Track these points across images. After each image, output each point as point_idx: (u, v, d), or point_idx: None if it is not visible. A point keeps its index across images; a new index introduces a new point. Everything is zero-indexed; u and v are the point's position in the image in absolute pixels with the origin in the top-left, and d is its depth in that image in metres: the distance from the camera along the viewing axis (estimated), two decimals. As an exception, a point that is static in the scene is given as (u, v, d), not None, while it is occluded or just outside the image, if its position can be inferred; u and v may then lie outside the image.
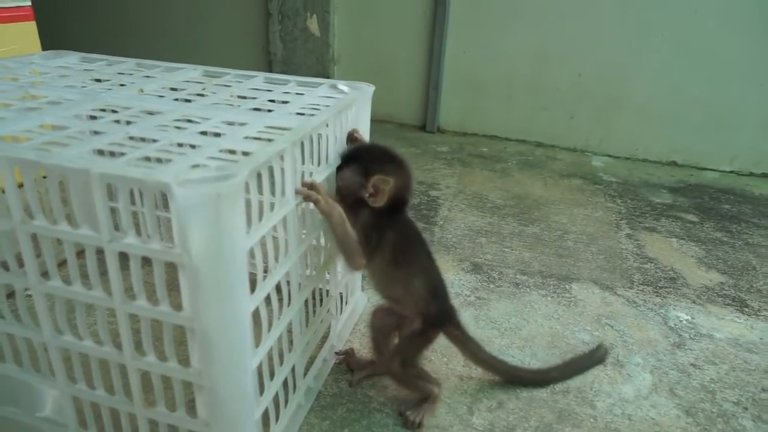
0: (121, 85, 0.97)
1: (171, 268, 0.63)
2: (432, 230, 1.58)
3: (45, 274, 0.69)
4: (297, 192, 0.78)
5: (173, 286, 0.65)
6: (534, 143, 2.42)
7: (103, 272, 0.65)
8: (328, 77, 2.55)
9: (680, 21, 2.10)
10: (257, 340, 0.71)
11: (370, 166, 0.85)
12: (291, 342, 0.84)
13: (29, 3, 1.62)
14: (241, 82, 1.04)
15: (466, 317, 1.19)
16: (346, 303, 1.13)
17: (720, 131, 2.20)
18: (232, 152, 0.70)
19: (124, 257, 0.63)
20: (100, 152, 0.71)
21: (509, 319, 1.20)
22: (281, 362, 0.81)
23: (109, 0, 2.84)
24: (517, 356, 1.08)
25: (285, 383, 0.83)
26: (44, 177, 0.65)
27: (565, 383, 1.02)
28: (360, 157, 0.87)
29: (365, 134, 1.02)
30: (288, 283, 0.80)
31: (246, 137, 0.73)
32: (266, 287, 0.71)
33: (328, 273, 0.98)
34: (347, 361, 1.02)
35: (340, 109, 0.89)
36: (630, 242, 1.58)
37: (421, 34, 2.42)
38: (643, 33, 2.16)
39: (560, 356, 1.09)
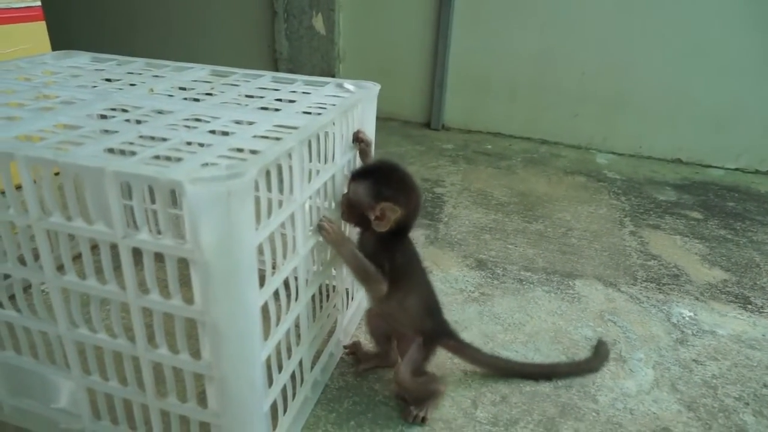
0: (132, 84, 0.99)
1: (182, 265, 0.65)
2: (437, 227, 1.60)
3: (60, 269, 0.71)
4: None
5: (184, 282, 0.66)
6: (538, 140, 2.43)
7: (117, 267, 0.67)
8: (333, 75, 2.57)
9: (685, 18, 2.10)
10: (266, 334, 0.73)
11: (383, 191, 0.84)
12: (299, 336, 0.86)
13: (39, 3, 1.64)
14: (249, 81, 1.06)
15: (471, 313, 1.21)
16: (352, 298, 1.15)
17: (725, 129, 2.20)
18: (241, 151, 0.72)
19: (136, 254, 0.65)
20: (113, 151, 0.72)
21: (513, 315, 1.21)
22: (289, 356, 0.83)
23: (116, 0, 2.87)
24: (520, 351, 1.10)
25: (293, 376, 0.85)
26: (57, 174, 0.67)
27: (569, 378, 1.03)
28: (376, 177, 0.86)
29: (371, 133, 1.04)
30: (296, 278, 0.82)
31: (255, 136, 0.75)
32: (275, 282, 0.73)
33: (335, 269, 1.00)
34: (355, 353, 1.04)
35: (346, 108, 0.90)
36: (634, 239, 1.59)
37: (425, 32, 2.43)
38: (648, 31, 2.16)
39: (563, 351, 1.10)
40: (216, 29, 2.76)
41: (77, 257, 0.70)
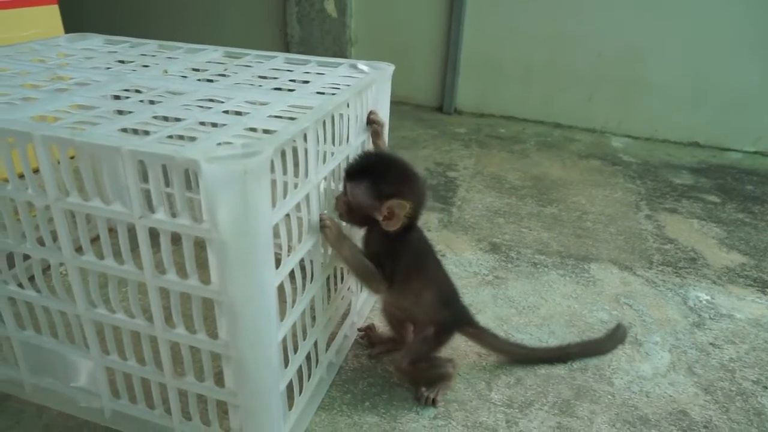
0: (145, 66, 0.99)
1: (197, 248, 0.65)
2: (450, 211, 1.59)
3: (79, 250, 0.72)
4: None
5: (199, 265, 0.67)
6: (552, 124, 2.40)
7: (134, 249, 0.68)
8: (345, 58, 2.55)
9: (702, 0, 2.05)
10: (282, 315, 0.73)
11: (385, 188, 0.79)
12: (314, 318, 0.86)
13: (51, -13, 1.63)
14: (262, 62, 1.05)
15: (485, 296, 1.20)
16: (366, 281, 1.15)
17: (743, 111, 2.15)
18: (255, 131, 0.72)
19: (153, 237, 0.65)
20: (129, 131, 0.72)
21: (527, 298, 1.20)
22: (304, 337, 0.83)
23: (128, -17, 2.86)
24: (535, 334, 1.09)
25: (308, 357, 0.85)
26: (72, 158, 0.67)
27: (584, 361, 1.02)
28: (374, 175, 0.80)
29: (385, 114, 1.03)
30: (311, 261, 0.82)
31: (269, 116, 0.75)
32: (290, 263, 0.73)
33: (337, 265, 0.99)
34: (369, 336, 1.04)
35: (360, 89, 0.89)
36: (650, 223, 1.57)
37: (438, 15, 2.40)
38: (664, 12, 2.11)
39: (578, 335, 1.10)
40: (227, 13, 2.75)
41: (95, 239, 0.70)
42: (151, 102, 0.79)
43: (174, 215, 0.64)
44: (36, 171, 0.69)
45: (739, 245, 1.47)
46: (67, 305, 0.77)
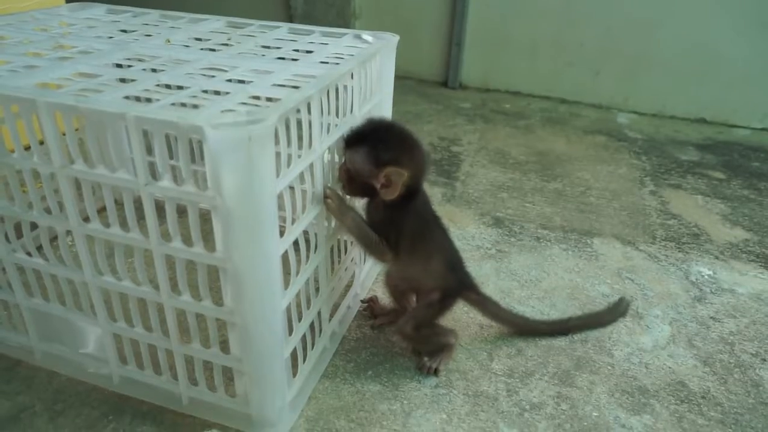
0: (148, 35, 0.98)
1: (201, 220, 0.66)
2: (453, 185, 1.59)
3: (86, 219, 0.72)
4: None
5: (204, 236, 0.67)
6: (558, 100, 2.38)
7: (140, 219, 0.68)
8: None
9: (717, -31, 2.00)
10: (286, 284, 0.74)
11: (383, 155, 0.77)
12: (317, 288, 0.87)
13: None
14: (265, 32, 1.04)
15: (487, 270, 1.21)
16: (369, 254, 1.16)
17: (751, 87, 2.12)
18: (259, 98, 0.72)
19: (158, 209, 0.66)
20: (133, 98, 0.72)
21: (529, 272, 1.21)
22: (308, 306, 0.84)
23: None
24: (537, 307, 1.10)
25: (312, 326, 0.87)
26: (76, 130, 0.67)
27: (584, 333, 1.04)
28: (372, 141, 0.79)
29: (389, 86, 1.02)
30: (315, 233, 0.82)
31: (273, 84, 0.74)
32: (294, 231, 0.73)
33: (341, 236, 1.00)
34: (371, 308, 1.05)
35: (364, 59, 0.89)
36: (654, 199, 1.56)
37: (444, -13, 2.36)
38: (677, -17, 2.07)
39: (580, 308, 1.11)
40: (229, -15, 2.70)
41: (101, 210, 0.71)
42: (154, 70, 0.79)
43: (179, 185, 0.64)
44: (41, 143, 0.69)
45: (743, 221, 1.47)
46: (75, 273, 0.78)
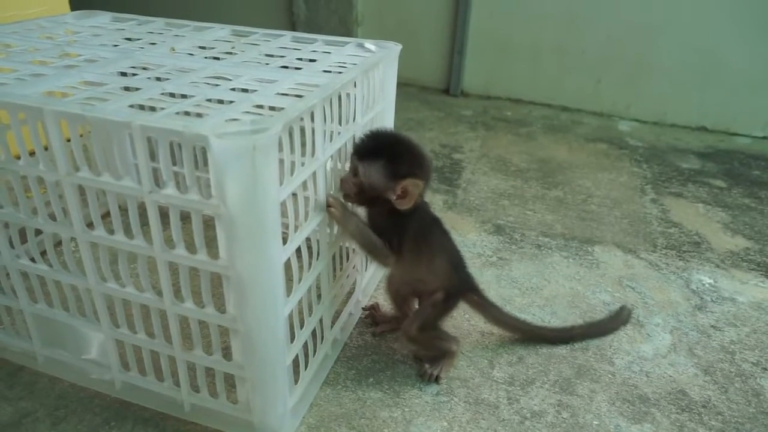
0: (152, 44, 0.99)
1: (204, 227, 0.66)
2: (455, 192, 1.59)
3: (90, 226, 0.73)
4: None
5: (207, 243, 0.68)
6: (559, 107, 2.38)
7: (143, 224, 0.69)
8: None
9: (717, -21, 2.01)
10: (288, 291, 0.74)
11: (400, 168, 0.80)
12: (319, 295, 0.88)
13: (57, -37, 1.63)
14: (269, 41, 1.05)
15: (488, 277, 1.21)
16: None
17: (753, 96, 2.13)
18: (261, 107, 0.72)
19: (162, 215, 0.66)
20: (138, 107, 0.73)
21: (530, 279, 1.21)
22: (310, 313, 0.84)
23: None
24: (537, 315, 1.11)
25: (313, 333, 0.87)
26: (80, 135, 0.68)
27: (585, 341, 1.04)
28: (387, 154, 0.81)
29: (391, 94, 1.03)
30: (318, 241, 0.83)
31: (277, 93, 0.75)
32: (297, 240, 0.74)
33: (343, 243, 1.00)
34: (372, 315, 1.05)
35: (367, 68, 0.89)
36: (655, 207, 1.57)
37: (446, -5, 2.37)
38: (678, -8, 2.08)
39: (580, 315, 1.11)
40: (232, -8, 2.72)
41: (105, 216, 0.71)
42: (159, 79, 0.79)
43: (183, 193, 0.65)
44: (45, 148, 0.69)
45: (743, 230, 1.47)
46: (78, 279, 0.78)
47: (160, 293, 0.74)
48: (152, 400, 0.84)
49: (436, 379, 0.92)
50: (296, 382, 0.83)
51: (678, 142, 2.09)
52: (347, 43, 1.04)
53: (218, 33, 1.08)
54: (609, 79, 2.29)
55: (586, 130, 2.15)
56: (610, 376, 0.96)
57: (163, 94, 0.74)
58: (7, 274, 0.84)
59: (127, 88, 0.75)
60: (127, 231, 0.71)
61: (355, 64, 0.91)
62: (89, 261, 0.75)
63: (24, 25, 1.07)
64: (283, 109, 0.66)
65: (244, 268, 0.65)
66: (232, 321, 0.70)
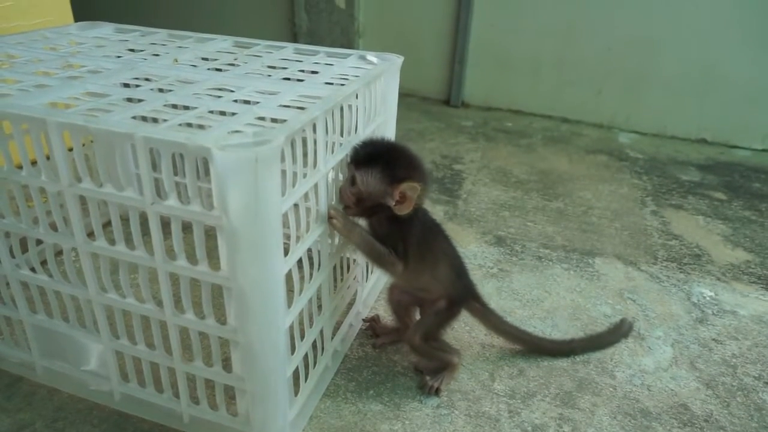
0: (156, 55, 0.99)
1: (206, 237, 0.66)
2: (456, 203, 1.59)
3: (90, 235, 0.73)
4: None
5: (208, 253, 0.68)
6: (559, 119, 2.39)
7: (144, 235, 0.69)
8: (352, 50, 2.54)
9: (716, -8, 2.03)
10: (289, 302, 0.74)
11: (397, 172, 0.80)
12: (320, 306, 0.87)
13: (62, -25, 1.64)
14: (272, 52, 1.06)
15: (489, 289, 1.21)
16: (372, 272, 1.16)
17: (752, 108, 2.14)
18: (263, 119, 0.73)
19: (164, 226, 0.66)
20: (141, 118, 0.73)
21: (531, 291, 1.21)
22: (311, 324, 0.84)
23: (137, -28, 2.86)
24: (538, 327, 1.10)
25: (314, 345, 0.87)
26: (83, 145, 0.68)
27: (586, 354, 1.03)
28: (383, 161, 0.81)
29: (393, 105, 1.04)
30: (319, 252, 0.83)
31: (279, 105, 0.75)
32: (298, 251, 0.74)
33: (346, 253, 1.00)
34: (373, 327, 1.05)
35: (369, 80, 0.90)
36: (655, 219, 1.57)
37: (447, 7, 2.39)
38: (675, 5, 2.09)
39: (581, 328, 1.10)
40: (235, 2, 2.74)
41: (106, 225, 0.71)
42: (161, 90, 0.80)
43: (185, 204, 0.65)
44: (48, 158, 0.70)
45: (744, 242, 1.47)
46: (79, 290, 0.78)
47: (160, 304, 0.73)
48: (151, 411, 0.83)
49: (437, 392, 0.92)
50: (296, 394, 0.83)
51: (678, 154, 2.10)
52: (349, 55, 1.05)
53: (221, 44, 1.09)
54: (609, 91, 2.30)
55: (587, 142, 2.16)
56: (611, 389, 0.96)
57: (165, 105, 0.74)
58: (7, 284, 0.84)
59: (130, 100, 0.75)
60: (129, 241, 0.71)
61: (357, 76, 0.91)
62: (90, 271, 0.75)
63: (28, 35, 1.08)
64: (285, 121, 0.67)
65: (246, 279, 0.65)
66: (233, 332, 0.70)
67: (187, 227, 0.67)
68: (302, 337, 0.81)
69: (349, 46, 2.56)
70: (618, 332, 1.07)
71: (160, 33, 1.15)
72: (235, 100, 0.77)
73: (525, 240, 1.42)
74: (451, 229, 1.45)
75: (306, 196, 0.75)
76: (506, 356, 1.02)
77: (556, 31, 2.28)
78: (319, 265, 0.83)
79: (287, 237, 0.69)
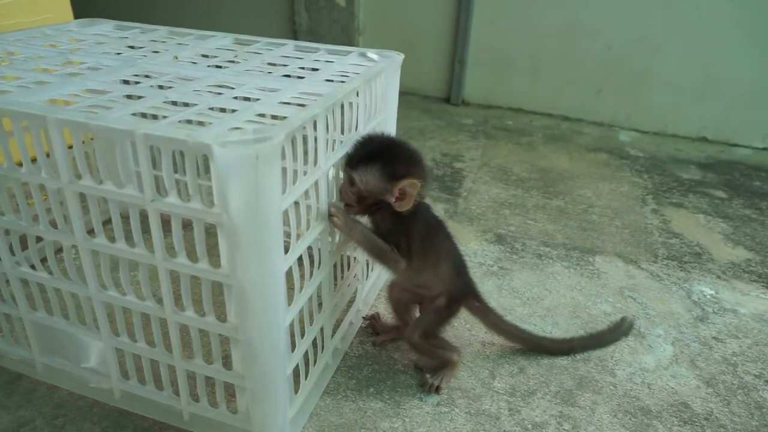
0: (155, 52, 0.99)
1: (206, 234, 0.66)
2: (456, 201, 1.59)
3: (91, 232, 0.73)
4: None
5: (208, 251, 0.68)
6: (560, 117, 2.39)
7: (145, 232, 0.68)
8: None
9: (717, -9, 2.03)
10: (290, 300, 0.74)
11: (397, 169, 0.80)
12: (320, 304, 0.87)
13: (61, -28, 1.63)
14: (272, 49, 1.05)
15: (489, 287, 1.21)
16: (372, 269, 1.16)
17: (752, 107, 2.14)
18: (264, 116, 0.73)
19: (164, 223, 0.66)
20: (141, 115, 0.73)
21: (531, 289, 1.21)
22: (311, 322, 0.84)
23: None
24: (539, 325, 1.10)
25: (314, 343, 0.87)
26: (83, 142, 0.68)
27: (586, 352, 1.03)
28: (382, 159, 0.80)
29: (393, 103, 1.03)
30: (319, 250, 0.83)
31: (280, 102, 0.75)
32: (299, 249, 0.74)
33: (348, 251, 1.00)
34: (373, 325, 1.05)
35: (369, 77, 0.90)
36: (656, 217, 1.57)
37: (447, 5, 2.39)
38: (675, 4, 2.09)
39: (582, 326, 1.10)
40: (235, 0, 2.74)
41: (107, 222, 0.71)
42: (161, 87, 0.80)
43: (185, 201, 0.65)
44: (48, 155, 0.69)
45: (744, 241, 1.47)
46: (79, 287, 0.78)
47: (160, 301, 0.73)
48: (151, 409, 0.83)
49: (437, 390, 0.92)
50: (296, 391, 0.83)
51: (678, 152, 2.09)
52: (350, 52, 1.04)
53: (221, 41, 1.09)
54: (609, 90, 2.30)
55: (587, 140, 2.16)
56: (611, 387, 0.96)
57: (165, 102, 0.74)
58: (7, 282, 0.84)
59: (130, 97, 0.75)
60: (129, 239, 0.71)
61: (357, 73, 0.91)
62: (90, 269, 0.75)
63: (28, 32, 1.07)
64: (285, 118, 0.67)
65: (246, 277, 0.65)
66: (233, 330, 0.70)
67: (187, 225, 0.67)
68: (302, 334, 0.81)
69: (350, 43, 2.56)
70: (618, 330, 1.07)
71: (160, 30, 1.15)
72: (236, 97, 0.77)
73: (525, 238, 1.42)
74: (451, 227, 1.43)
75: (306, 193, 0.74)
76: (506, 354, 1.02)
77: (557, 29, 2.28)
78: (320, 262, 0.83)
79: (287, 235, 0.69)
